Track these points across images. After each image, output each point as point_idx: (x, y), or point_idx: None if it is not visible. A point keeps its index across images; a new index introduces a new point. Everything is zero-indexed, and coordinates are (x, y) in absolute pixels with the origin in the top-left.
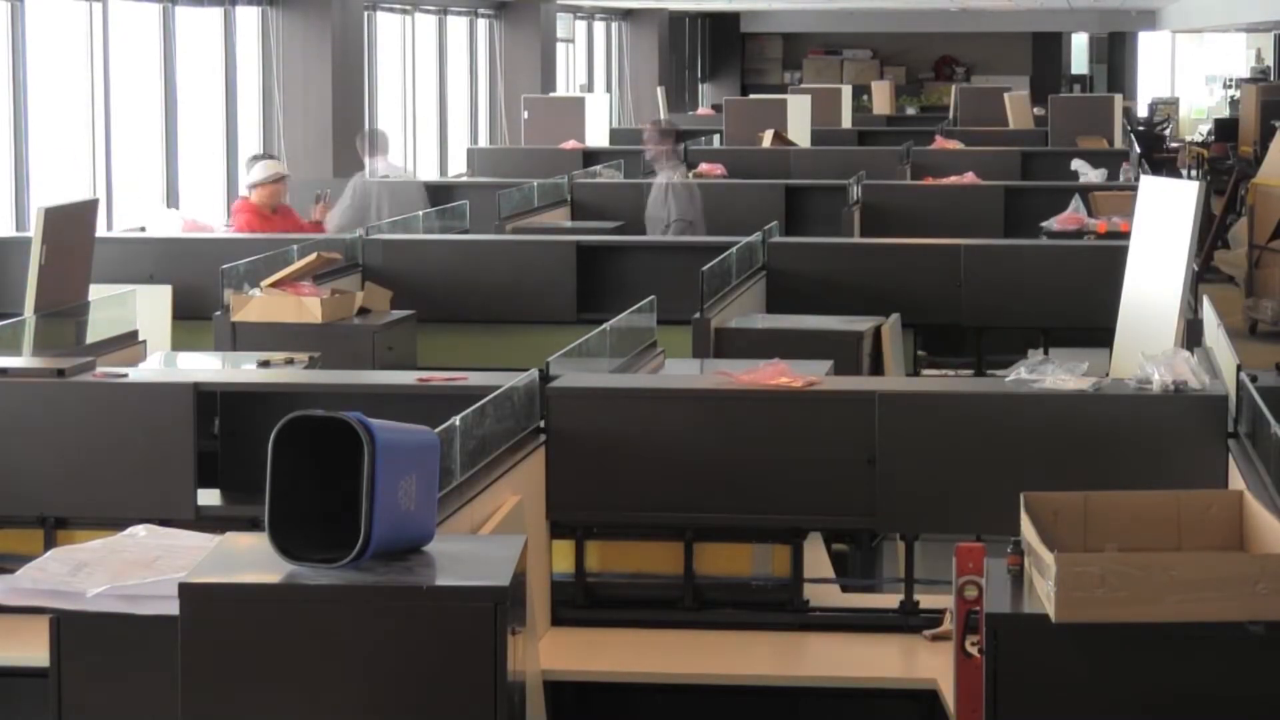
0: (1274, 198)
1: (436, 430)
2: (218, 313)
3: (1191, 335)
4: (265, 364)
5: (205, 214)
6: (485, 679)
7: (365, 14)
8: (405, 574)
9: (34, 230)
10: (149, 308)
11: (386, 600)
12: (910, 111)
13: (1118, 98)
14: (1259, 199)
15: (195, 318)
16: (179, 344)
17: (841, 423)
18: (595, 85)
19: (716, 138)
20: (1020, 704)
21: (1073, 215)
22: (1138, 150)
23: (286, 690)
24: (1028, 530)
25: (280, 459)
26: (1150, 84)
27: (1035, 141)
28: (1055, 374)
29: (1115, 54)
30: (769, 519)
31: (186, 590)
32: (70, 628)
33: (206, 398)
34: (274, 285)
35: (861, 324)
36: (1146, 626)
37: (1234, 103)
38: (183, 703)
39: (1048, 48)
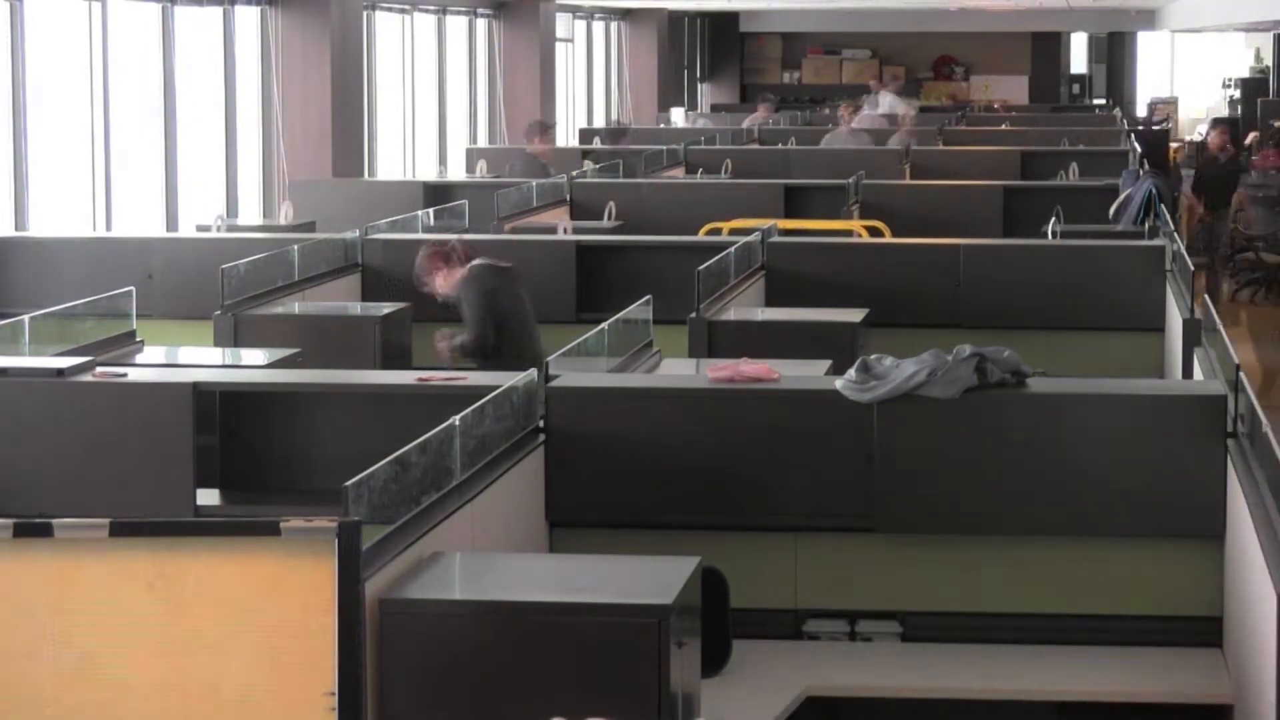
0: None
1: (436, 430)
2: (217, 312)
3: (1191, 335)
4: None
5: (204, 213)
6: (650, 690)
7: (364, 13)
8: (580, 593)
9: None
10: None
11: (563, 616)
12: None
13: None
14: None
15: (196, 317)
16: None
17: (840, 422)
18: (595, 85)
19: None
20: None
21: None
22: (1138, 149)
23: (474, 697)
24: None
25: None
26: (1149, 84)
27: (1036, 141)
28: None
29: (1115, 54)
30: (768, 518)
31: (387, 605)
32: None
33: (205, 397)
34: None
35: (856, 316)
36: None
37: (1233, 102)
38: (382, 710)
39: (1047, 47)
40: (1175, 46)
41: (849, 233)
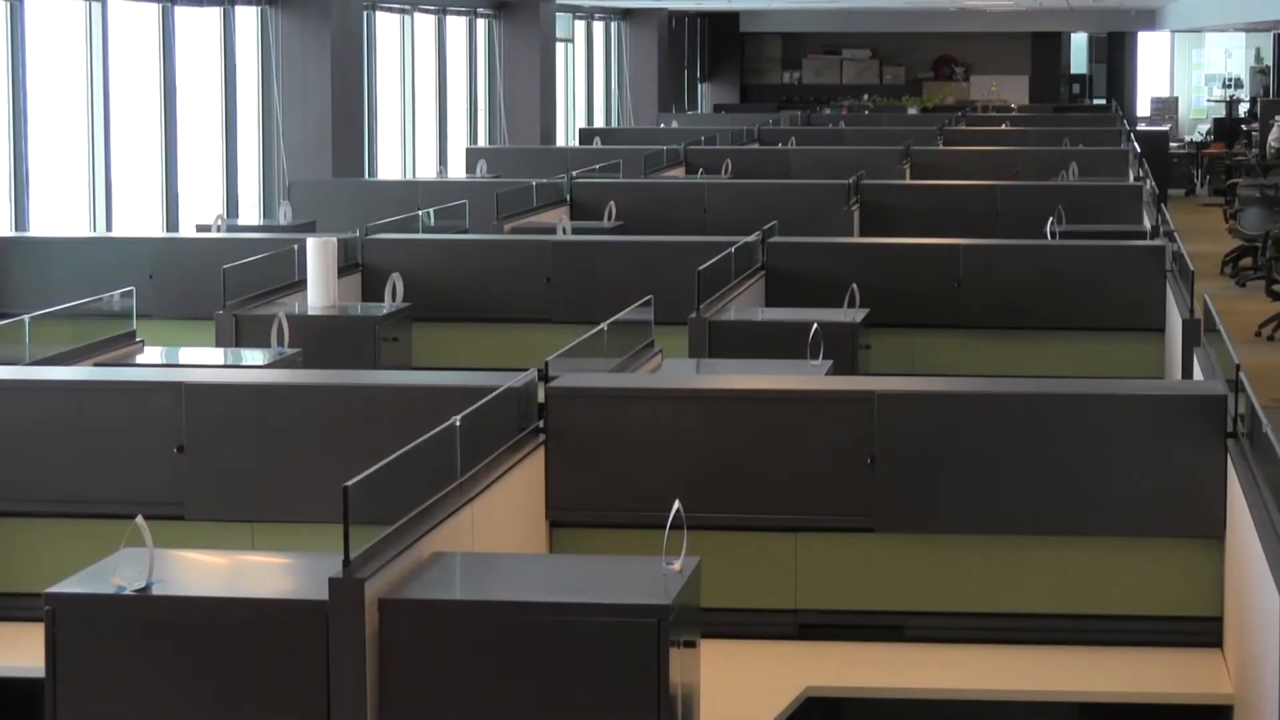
0: None
1: (436, 430)
2: (219, 311)
3: (1191, 335)
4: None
5: (204, 213)
6: (649, 691)
7: (364, 13)
8: (580, 593)
9: None
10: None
11: (563, 616)
12: (912, 111)
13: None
14: None
15: (196, 317)
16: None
17: (841, 423)
18: (595, 85)
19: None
20: None
21: None
22: (1138, 149)
23: (474, 697)
24: None
25: None
26: (1150, 84)
27: (1036, 141)
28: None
29: (1115, 54)
30: (768, 518)
31: (387, 605)
32: (66, 630)
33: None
34: None
35: (856, 316)
36: None
37: (1233, 102)
38: (382, 710)
39: (1047, 48)
40: (1175, 46)
41: None
